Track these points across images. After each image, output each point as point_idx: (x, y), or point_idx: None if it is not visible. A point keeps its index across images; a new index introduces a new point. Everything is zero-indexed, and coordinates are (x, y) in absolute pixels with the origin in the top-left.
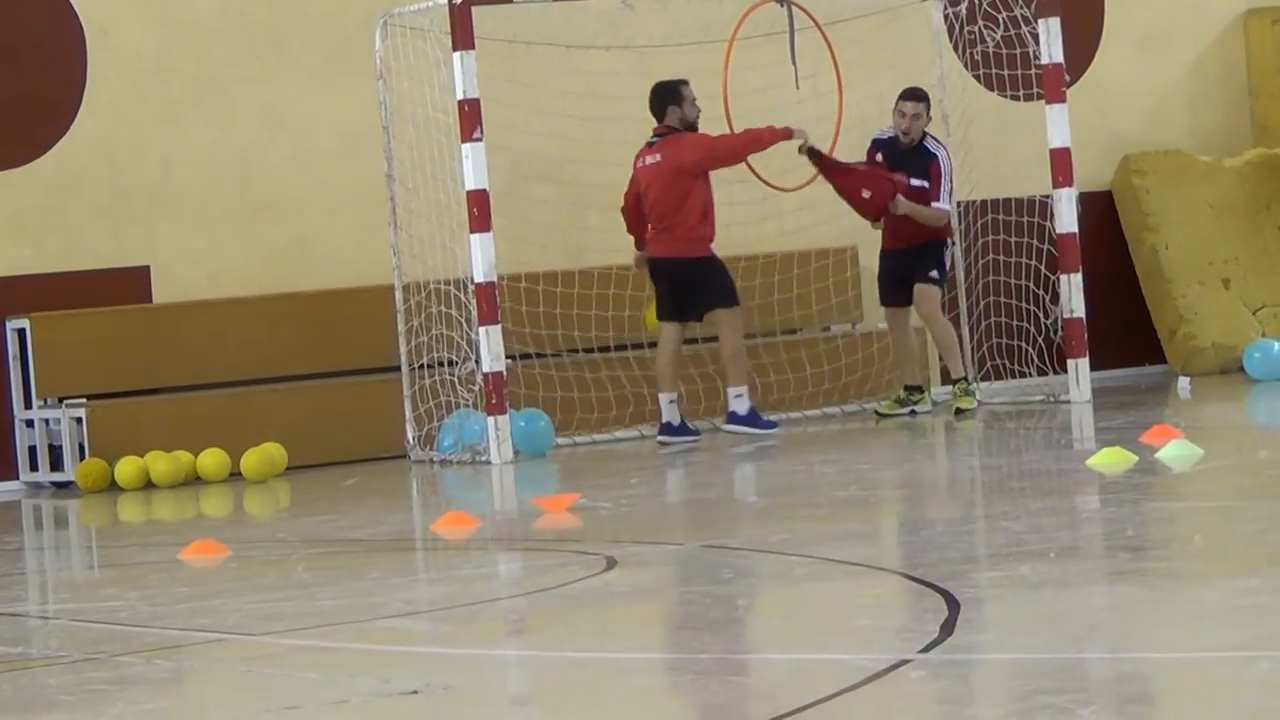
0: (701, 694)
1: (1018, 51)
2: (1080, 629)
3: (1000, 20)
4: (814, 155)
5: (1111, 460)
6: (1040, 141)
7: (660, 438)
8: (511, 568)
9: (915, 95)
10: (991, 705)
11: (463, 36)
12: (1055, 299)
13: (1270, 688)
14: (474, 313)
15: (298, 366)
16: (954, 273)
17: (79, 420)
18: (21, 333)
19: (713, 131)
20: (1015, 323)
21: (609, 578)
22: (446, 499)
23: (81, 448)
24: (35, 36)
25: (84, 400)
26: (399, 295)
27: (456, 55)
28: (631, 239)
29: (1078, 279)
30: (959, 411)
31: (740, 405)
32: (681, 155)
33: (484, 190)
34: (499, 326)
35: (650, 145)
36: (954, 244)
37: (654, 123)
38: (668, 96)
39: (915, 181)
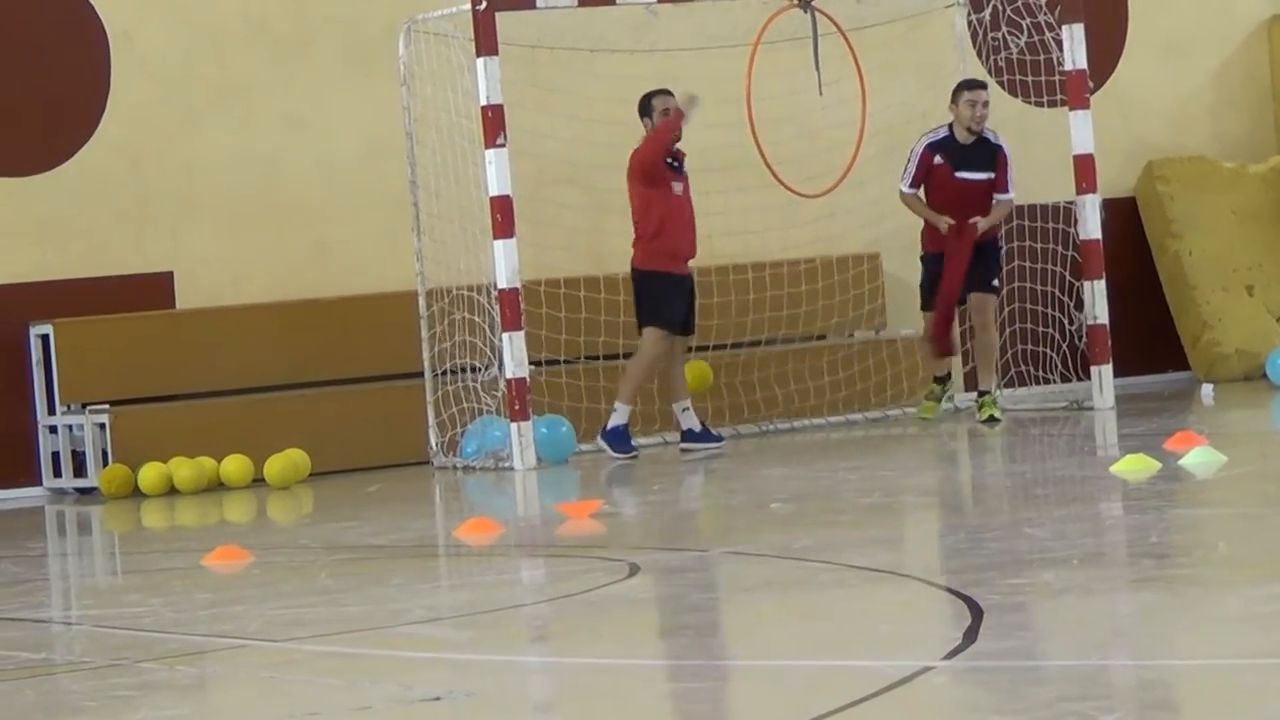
0: (724, 700)
1: (1041, 58)
2: (1104, 636)
3: (1024, 26)
4: (955, 230)
5: (1135, 467)
6: (1064, 148)
7: (683, 445)
8: (535, 574)
9: (982, 84)
10: (1015, 712)
11: (486, 42)
12: (1079, 305)
13: None
14: (497, 319)
15: (321, 372)
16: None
17: (102, 426)
18: (45, 339)
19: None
20: (1039, 329)
21: (632, 584)
22: (469, 505)
23: (105, 453)
24: (59, 43)
25: (107, 406)
26: (422, 301)
27: (480, 61)
28: None
29: (1101, 285)
30: (991, 419)
31: (616, 418)
32: (628, 166)
33: (507, 196)
34: (522, 332)
35: None
36: (1004, 245)
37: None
38: (640, 108)
39: (981, 174)
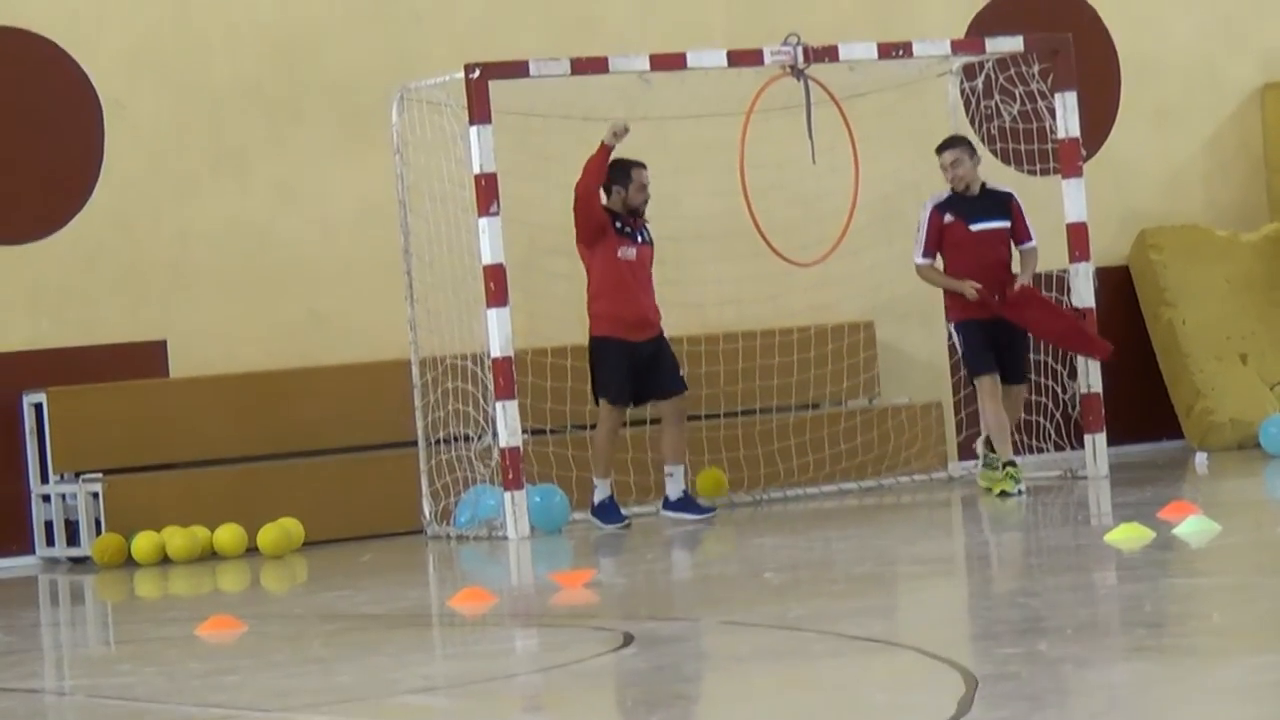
0: None
1: (1034, 126)
2: (1099, 706)
3: (1017, 95)
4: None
5: (1129, 536)
6: (1057, 216)
7: (662, 511)
8: (528, 643)
9: (944, 146)
10: None
11: (480, 110)
12: (1073, 374)
13: None
14: (490, 387)
15: (314, 441)
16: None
17: (95, 495)
18: (39, 407)
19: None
20: (1033, 398)
21: (625, 654)
22: (463, 574)
23: (98, 522)
24: (52, 110)
25: (100, 475)
26: (415, 370)
27: (473, 129)
28: None
29: None
30: (1004, 494)
31: (598, 494)
32: None
33: (501, 264)
34: (515, 401)
35: None
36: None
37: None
38: (613, 176)
39: (996, 223)
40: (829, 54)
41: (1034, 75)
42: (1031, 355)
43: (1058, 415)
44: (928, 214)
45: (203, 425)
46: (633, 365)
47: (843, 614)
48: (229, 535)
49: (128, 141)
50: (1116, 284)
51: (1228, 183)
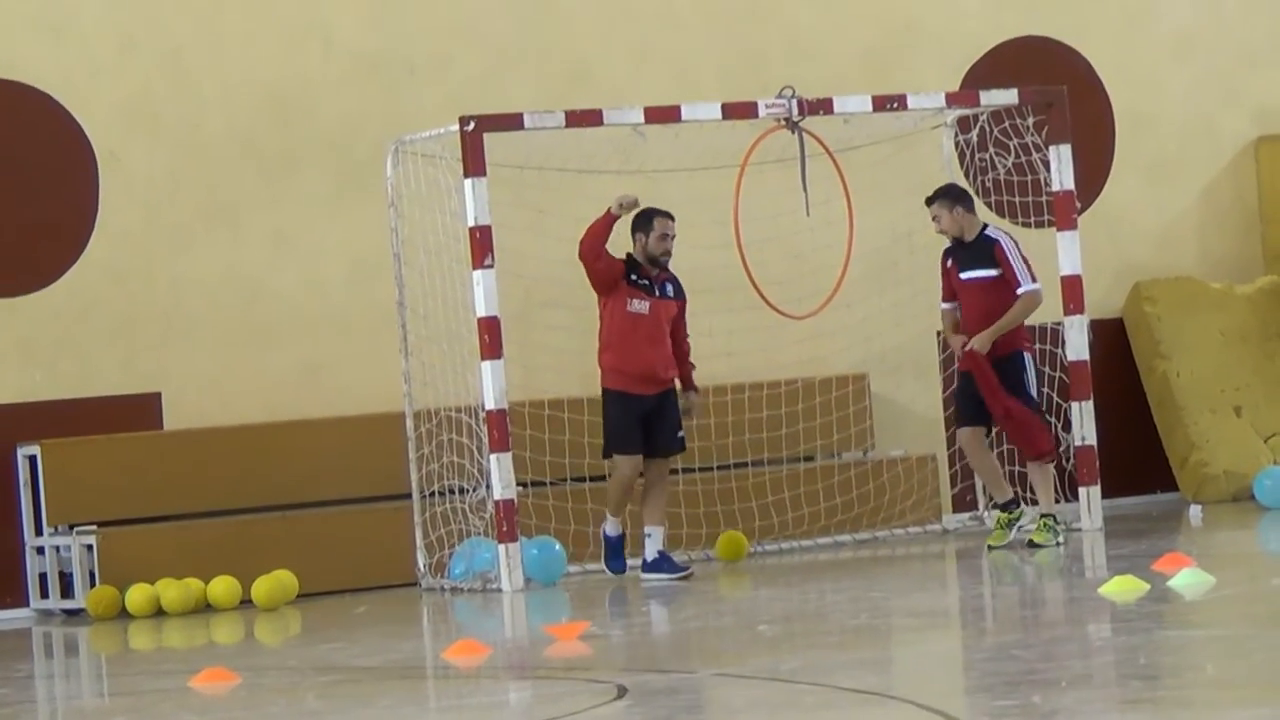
0: None
1: (1029, 178)
2: None
3: (1011, 147)
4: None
5: (1123, 588)
6: (1051, 268)
7: (641, 575)
8: (522, 696)
9: (931, 200)
10: None
11: (474, 163)
12: (1067, 426)
13: None
14: (485, 440)
15: (309, 494)
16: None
17: (90, 547)
18: (33, 459)
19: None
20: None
21: (619, 706)
22: (457, 627)
23: (92, 575)
24: (47, 163)
25: (95, 527)
26: (410, 422)
27: (468, 182)
28: None
29: (1089, 406)
30: (1032, 544)
31: (608, 527)
32: None
33: (495, 317)
34: (510, 454)
35: None
36: (1032, 356)
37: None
38: (636, 222)
39: (981, 272)
40: (823, 107)
41: (1029, 128)
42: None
43: (1052, 468)
44: (942, 258)
45: (197, 477)
46: (640, 418)
47: (837, 666)
48: (223, 587)
49: (122, 194)
50: (1111, 336)
51: (1222, 235)
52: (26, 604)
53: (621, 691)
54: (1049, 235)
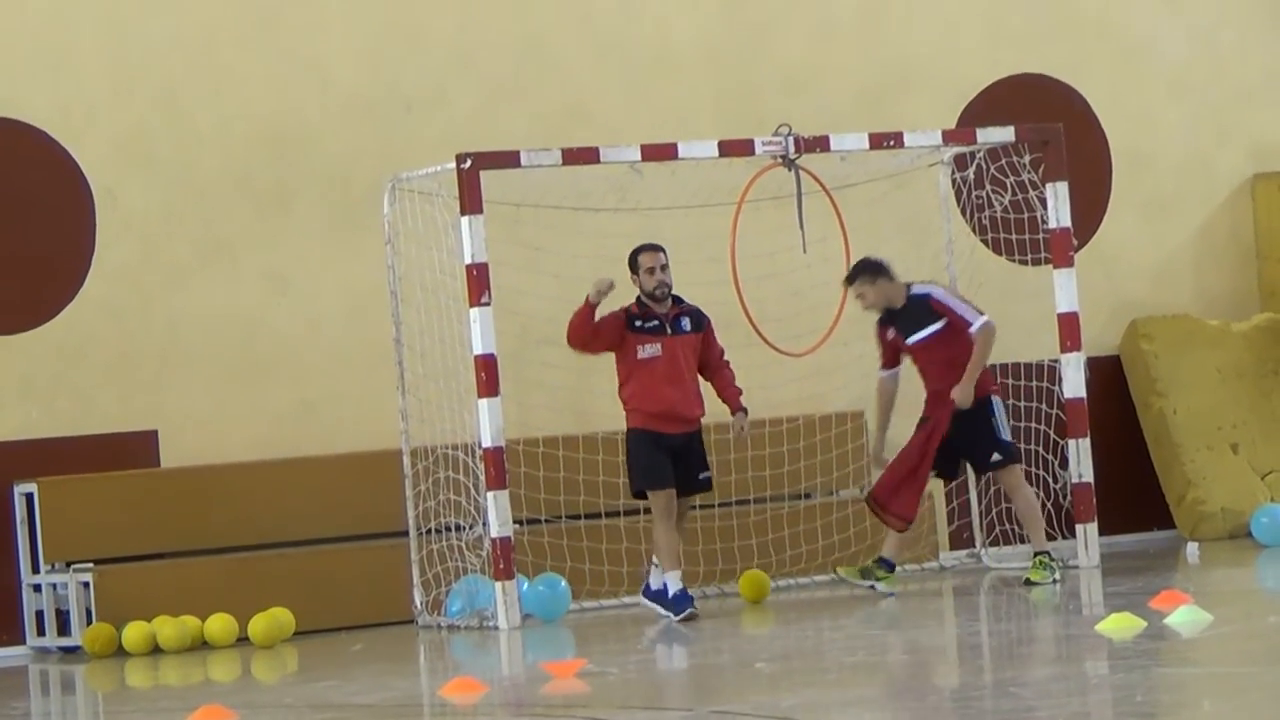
0: None
1: (1025, 216)
2: None
3: (1008, 185)
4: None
5: (1120, 626)
6: (1048, 306)
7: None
8: None
9: (850, 279)
10: None
11: (471, 200)
12: (1064, 464)
13: None
14: (481, 477)
15: (305, 531)
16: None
17: (86, 585)
18: (29, 497)
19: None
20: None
21: None
22: (454, 664)
23: (89, 612)
24: (44, 200)
25: (91, 565)
26: (406, 460)
27: (464, 219)
28: None
29: (1086, 444)
30: (1028, 582)
31: (670, 584)
32: None
33: (492, 355)
34: (506, 491)
35: None
36: (999, 398)
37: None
38: (628, 263)
39: (927, 330)
40: (820, 144)
41: (1025, 165)
42: (1019, 444)
43: (1049, 505)
44: (877, 327)
45: (194, 515)
46: (668, 453)
47: (835, 704)
48: (220, 625)
49: (119, 231)
50: (1108, 373)
51: (1218, 273)
52: (23, 641)
53: None
54: (1046, 273)
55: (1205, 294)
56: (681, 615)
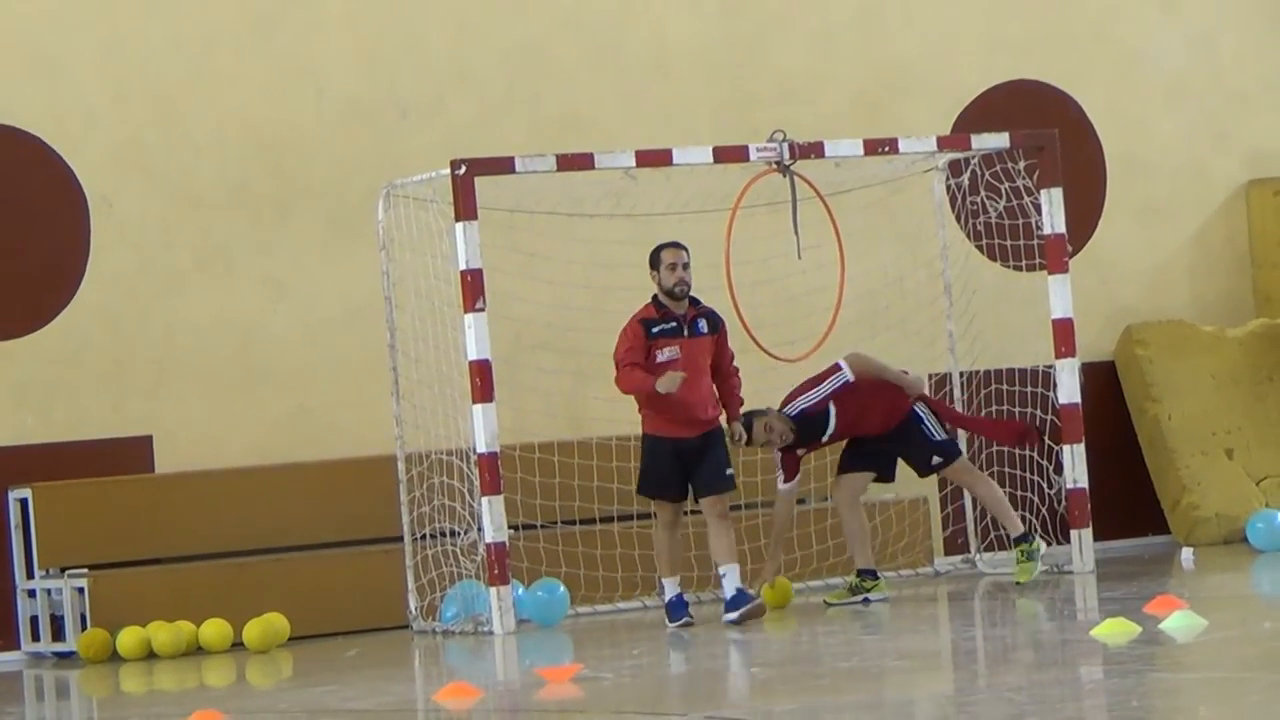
0: None
1: (1020, 222)
2: None
3: (1002, 191)
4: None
5: (1115, 631)
6: (1042, 312)
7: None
8: None
9: (747, 426)
10: None
11: (465, 207)
12: (1058, 469)
13: None
14: (476, 483)
15: (300, 537)
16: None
17: (81, 590)
18: (24, 502)
19: (713, 304)
20: (1018, 493)
21: None
22: (449, 669)
23: (83, 618)
24: (39, 207)
25: (86, 570)
26: (401, 465)
27: (459, 225)
28: None
29: (1080, 449)
30: (1019, 584)
31: (666, 591)
32: None
33: (486, 360)
34: (501, 497)
35: None
36: (923, 404)
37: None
38: (650, 261)
39: (829, 409)
40: (815, 150)
41: (1020, 171)
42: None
43: (1044, 510)
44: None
45: (189, 521)
46: (679, 460)
47: (830, 709)
48: (214, 630)
49: (114, 238)
50: (1102, 379)
51: (1213, 278)
52: (18, 647)
53: None
54: (1040, 278)
55: (1200, 300)
56: (677, 623)
